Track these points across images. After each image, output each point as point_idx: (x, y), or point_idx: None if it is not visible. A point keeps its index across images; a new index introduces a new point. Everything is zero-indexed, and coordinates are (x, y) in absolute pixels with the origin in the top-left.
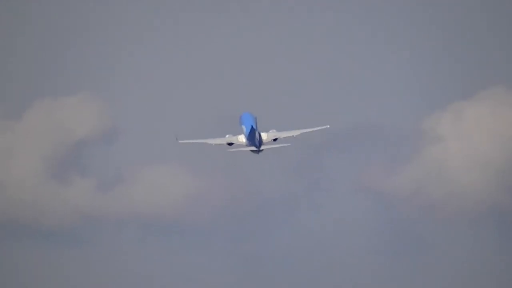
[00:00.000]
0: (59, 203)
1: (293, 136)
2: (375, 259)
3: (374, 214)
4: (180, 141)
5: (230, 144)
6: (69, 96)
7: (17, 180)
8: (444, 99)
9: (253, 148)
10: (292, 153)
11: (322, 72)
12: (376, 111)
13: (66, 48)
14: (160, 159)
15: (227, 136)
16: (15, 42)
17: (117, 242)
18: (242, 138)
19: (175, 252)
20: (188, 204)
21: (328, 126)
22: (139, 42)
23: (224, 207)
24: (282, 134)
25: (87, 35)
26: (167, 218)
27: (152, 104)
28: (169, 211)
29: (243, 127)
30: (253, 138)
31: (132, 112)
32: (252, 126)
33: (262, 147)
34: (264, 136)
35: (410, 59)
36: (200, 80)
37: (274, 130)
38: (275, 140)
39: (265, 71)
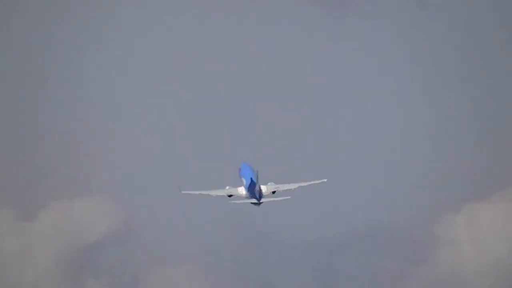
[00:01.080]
0: None
1: (291, 189)
2: None
3: None
4: (183, 192)
5: (230, 195)
6: (83, 197)
7: (31, 282)
8: (458, 201)
9: (254, 200)
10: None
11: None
12: (389, 212)
13: (78, 151)
14: (174, 260)
15: (227, 187)
16: (28, 145)
17: None
18: (242, 190)
19: None
20: None
21: (326, 180)
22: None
23: None
24: (280, 187)
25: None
26: None
27: (165, 199)
28: None
29: (243, 179)
30: (253, 191)
31: (146, 214)
32: (251, 179)
33: (262, 200)
34: (263, 188)
35: (424, 158)
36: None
37: (273, 183)
38: (273, 192)
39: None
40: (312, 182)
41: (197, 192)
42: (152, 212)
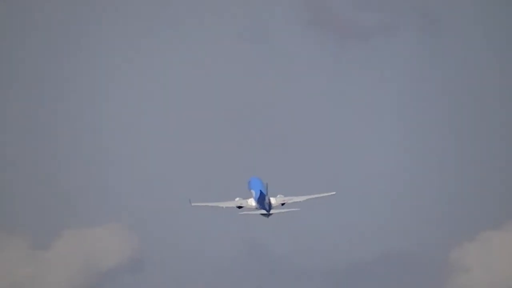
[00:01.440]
0: None
1: (300, 201)
2: None
3: None
4: (193, 204)
5: (240, 207)
6: (97, 226)
7: None
8: (472, 229)
9: (263, 211)
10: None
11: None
12: (404, 239)
13: (92, 179)
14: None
15: (236, 199)
16: (42, 173)
17: None
18: (251, 202)
19: None
20: None
21: (334, 192)
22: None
23: None
24: (289, 199)
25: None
26: None
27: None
28: None
29: (252, 191)
30: (263, 202)
31: (160, 242)
32: (261, 191)
33: (271, 211)
34: (272, 200)
35: (438, 187)
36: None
37: (282, 195)
38: (282, 204)
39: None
40: (321, 195)
41: (207, 204)
42: (166, 240)
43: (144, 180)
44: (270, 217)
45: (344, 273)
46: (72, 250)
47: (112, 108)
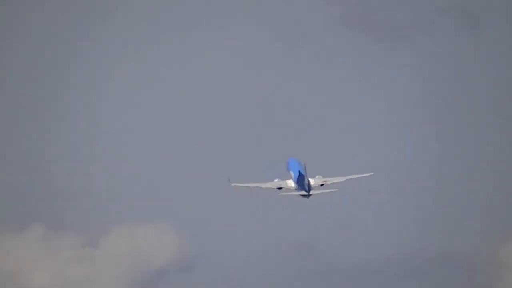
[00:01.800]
0: None
1: (339, 182)
2: None
3: None
4: (232, 184)
5: (280, 188)
6: (147, 223)
7: None
8: None
9: (303, 192)
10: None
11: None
12: (453, 238)
13: (141, 176)
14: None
15: (276, 180)
16: (91, 170)
17: None
18: (291, 183)
19: None
20: None
21: (372, 173)
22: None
23: None
24: (328, 180)
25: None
26: None
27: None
28: None
29: (291, 172)
30: (302, 183)
31: (211, 239)
32: (299, 172)
33: (311, 192)
34: (311, 181)
35: (489, 184)
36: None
37: (320, 176)
38: (321, 185)
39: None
40: (360, 175)
41: (247, 185)
42: (215, 237)
43: (187, 171)
44: (310, 198)
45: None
46: (122, 248)
47: (149, 101)
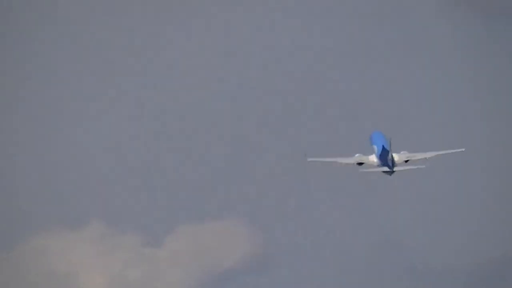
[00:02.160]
0: None
1: (425, 158)
2: None
3: None
4: (309, 159)
5: (360, 164)
6: (215, 220)
7: None
8: None
9: (386, 168)
10: None
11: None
12: None
13: (207, 170)
14: None
15: (356, 155)
16: (153, 165)
17: None
18: (373, 158)
19: None
20: None
21: (464, 149)
22: None
23: None
24: (414, 156)
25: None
26: None
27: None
28: None
29: (374, 146)
30: (386, 158)
31: (285, 237)
32: (383, 146)
33: (395, 169)
34: (395, 157)
35: None
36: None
37: (406, 152)
38: (406, 161)
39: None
40: (449, 151)
41: (324, 160)
42: (289, 235)
43: (257, 149)
44: (393, 175)
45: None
46: (186, 247)
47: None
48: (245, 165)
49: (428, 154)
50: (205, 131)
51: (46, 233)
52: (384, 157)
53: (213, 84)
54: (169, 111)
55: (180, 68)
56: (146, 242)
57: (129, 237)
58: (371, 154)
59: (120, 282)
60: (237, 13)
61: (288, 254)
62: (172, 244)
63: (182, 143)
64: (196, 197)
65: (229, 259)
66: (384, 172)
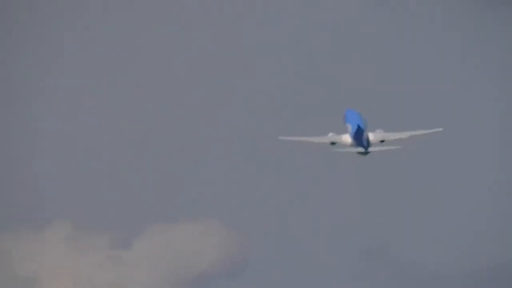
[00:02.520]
0: None
1: (402, 138)
2: None
3: None
4: (280, 138)
5: (333, 143)
6: (187, 221)
7: None
8: None
9: (360, 149)
10: None
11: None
12: None
13: (179, 169)
14: None
15: (330, 134)
16: (122, 162)
17: None
18: (347, 138)
19: None
20: None
21: (442, 128)
22: None
23: None
24: (390, 136)
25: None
26: None
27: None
28: None
29: (348, 125)
30: (360, 138)
31: (261, 239)
32: (358, 125)
33: (370, 149)
34: (371, 136)
35: None
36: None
37: (381, 131)
38: (382, 142)
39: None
40: (426, 131)
41: (296, 139)
42: (269, 236)
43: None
44: (368, 155)
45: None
46: (158, 249)
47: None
48: (218, 159)
49: (405, 134)
50: (175, 127)
51: (8, 235)
52: (359, 136)
53: (182, 81)
54: (137, 110)
55: (139, 63)
56: (114, 243)
57: (96, 238)
58: (345, 133)
59: (87, 287)
60: None
61: (266, 256)
62: (142, 245)
63: (151, 140)
64: (167, 196)
65: (202, 262)
66: (358, 153)
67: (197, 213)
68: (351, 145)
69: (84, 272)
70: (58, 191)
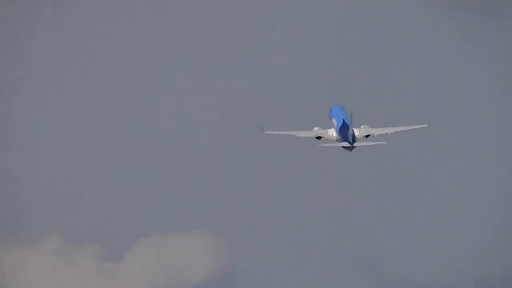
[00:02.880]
0: None
1: (387, 133)
2: None
3: None
4: (266, 132)
5: (319, 138)
6: (178, 234)
7: None
8: None
9: (346, 144)
10: None
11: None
12: None
13: (169, 182)
14: None
15: (315, 129)
16: (113, 176)
17: None
18: (332, 132)
19: None
20: None
21: (426, 124)
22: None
23: None
24: (375, 131)
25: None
26: None
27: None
28: None
29: (334, 120)
30: (346, 133)
31: (250, 250)
32: (343, 120)
33: (355, 144)
34: (356, 132)
35: None
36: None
37: (366, 126)
38: (367, 136)
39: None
40: (411, 127)
41: (282, 133)
42: (258, 247)
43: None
44: (353, 150)
45: None
46: (148, 262)
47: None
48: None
49: (390, 130)
50: (164, 141)
51: None
52: (344, 131)
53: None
54: (128, 122)
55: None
56: (105, 256)
57: (88, 250)
58: (331, 128)
59: None
60: None
61: (254, 267)
62: (133, 258)
63: (142, 152)
64: (158, 208)
65: (193, 275)
66: (344, 147)
67: (188, 225)
68: (337, 140)
69: (74, 284)
70: (49, 204)
